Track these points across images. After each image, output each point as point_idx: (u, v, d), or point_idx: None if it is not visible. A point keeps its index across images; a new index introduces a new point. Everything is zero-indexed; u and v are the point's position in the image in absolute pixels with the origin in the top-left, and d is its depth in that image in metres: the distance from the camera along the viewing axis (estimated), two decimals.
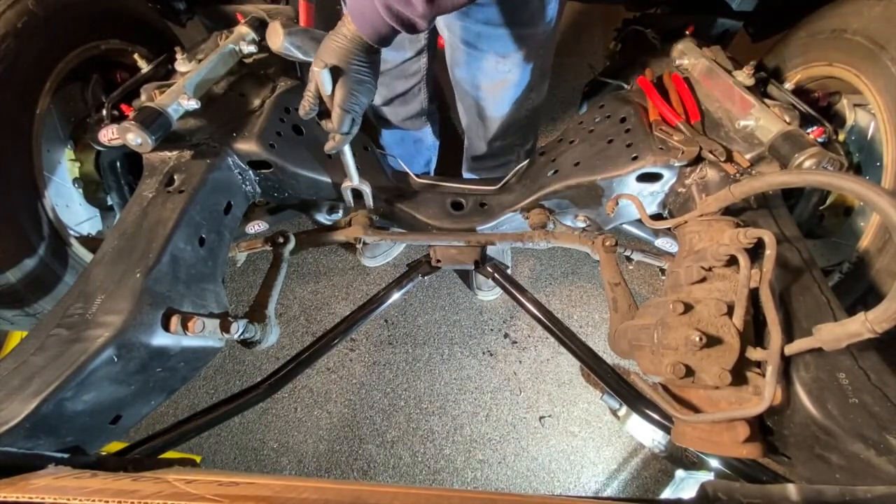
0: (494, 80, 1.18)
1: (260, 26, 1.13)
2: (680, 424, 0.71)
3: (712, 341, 0.65)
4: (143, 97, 0.99)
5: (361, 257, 1.85)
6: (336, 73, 0.81)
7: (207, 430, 0.92)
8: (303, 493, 0.43)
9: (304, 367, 1.02)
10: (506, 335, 1.77)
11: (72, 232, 1.11)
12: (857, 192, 0.58)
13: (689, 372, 0.66)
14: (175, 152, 0.95)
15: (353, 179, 1.05)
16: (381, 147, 1.55)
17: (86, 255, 1.09)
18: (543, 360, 1.72)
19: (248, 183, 1.04)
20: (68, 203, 1.16)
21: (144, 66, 1.08)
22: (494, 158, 1.47)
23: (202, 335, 0.76)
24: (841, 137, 1.06)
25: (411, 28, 0.77)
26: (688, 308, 0.69)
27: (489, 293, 1.80)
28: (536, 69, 1.19)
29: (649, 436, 1.45)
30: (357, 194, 1.11)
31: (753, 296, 0.69)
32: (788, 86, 1.04)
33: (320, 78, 0.79)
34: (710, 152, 0.90)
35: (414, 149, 1.59)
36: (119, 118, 1.00)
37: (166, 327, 0.73)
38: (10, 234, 0.93)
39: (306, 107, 0.85)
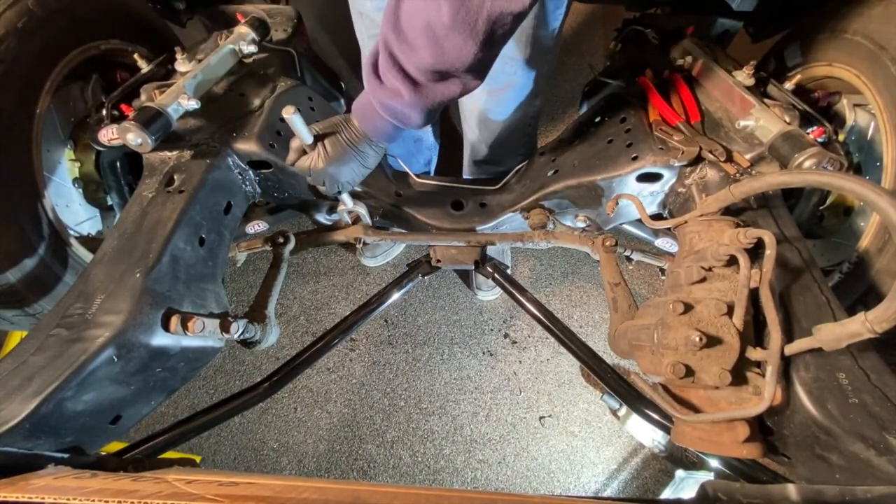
0: (500, 82, 1.17)
1: (260, 26, 1.13)
2: (680, 424, 0.71)
3: (712, 341, 0.65)
4: (143, 97, 0.99)
5: (361, 257, 1.85)
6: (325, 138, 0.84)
7: (207, 430, 0.92)
8: (303, 493, 0.43)
9: (304, 367, 1.02)
10: (506, 335, 1.77)
11: (72, 232, 1.11)
12: (857, 192, 0.58)
13: (689, 372, 0.66)
14: (175, 152, 0.95)
15: (347, 204, 1.05)
16: None
17: (86, 255, 1.09)
18: (543, 360, 1.72)
19: (248, 183, 1.03)
20: (68, 203, 1.16)
21: (144, 66, 1.08)
22: (496, 164, 1.46)
23: (202, 335, 0.76)
24: (841, 137, 1.06)
25: (406, 119, 0.79)
26: (688, 308, 0.69)
27: (489, 293, 1.80)
28: (541, 76, 1.18)
29: (649, 436, 1.45)
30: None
31: (753, 296, 0.69)
32: (788, 86, 1.04)
33: (291, 122, 0.80)
34: (710, 152, 0.90)
35: (414, 148, 1.59)
36: (119, 118, 1.00)
37: (166, 327, 0.73)
38: (10, 234, 0.93)
39: (292, 158, 0.89)
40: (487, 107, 1.25)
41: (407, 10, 0.66)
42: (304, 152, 0.86)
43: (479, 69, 0.71)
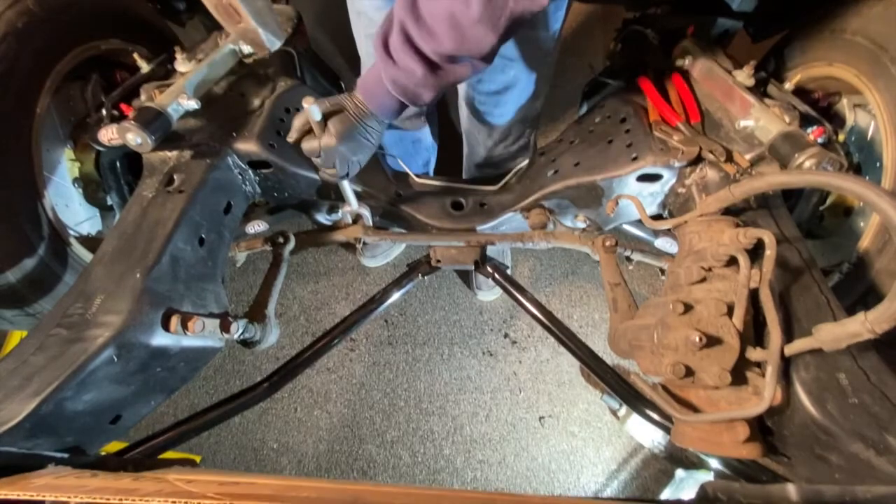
0: (499, 84, 1.17)
1: None
2: (680, 424, 0.71)
3: (712, 341, 0.65)
4: (143, 97, 0.99)
5: (361, 257, 1.85)
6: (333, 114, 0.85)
7: (207, 430, 0.92)
8: (303, 493, 0.43)
9: (304, 367, 1.02)
10: (506, 335, 1.77)
11: (72, 232, 1.11)
12: (857, 192, 0.58)
13: (689, 372, 0.66)
14: (175, 152, 0.95)
15: (353, 205, 1.06)
16: (379, 146, 1.54)
17: (86, 255, 1.09)
18: (543, 360, 1.72)
19: (247, 183, 1.03)
20: (68, 203, 1.16)
21: (144, 66, 1.08)
22: (495, 167, 1.46)
23: (202, 335, 0.76)
24: (841, 138, 1.06)
25: (416, 97, 0.81)
26: (688, 308, 0.69)
27: (489, 293, 1.80)
28: (541, 78, 1.18)
29: (649, 436, 1.45)
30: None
31: (753, 296, 0.69)
32: (788, 86, 1.04)
33: (309, 112, 0.81)
34: (710, 152, 0.90)
35: (413, 149, 1.59)
36: (119, 118, 1.00)
37: (166, 327, 0.73)
38: (10, 234, 0.93)
39: (294, 137, 0.89)
40: (487, 109, 1.25)
41: None
42: (307, 132, 0.87)
43: (491, 56, 0.77)
